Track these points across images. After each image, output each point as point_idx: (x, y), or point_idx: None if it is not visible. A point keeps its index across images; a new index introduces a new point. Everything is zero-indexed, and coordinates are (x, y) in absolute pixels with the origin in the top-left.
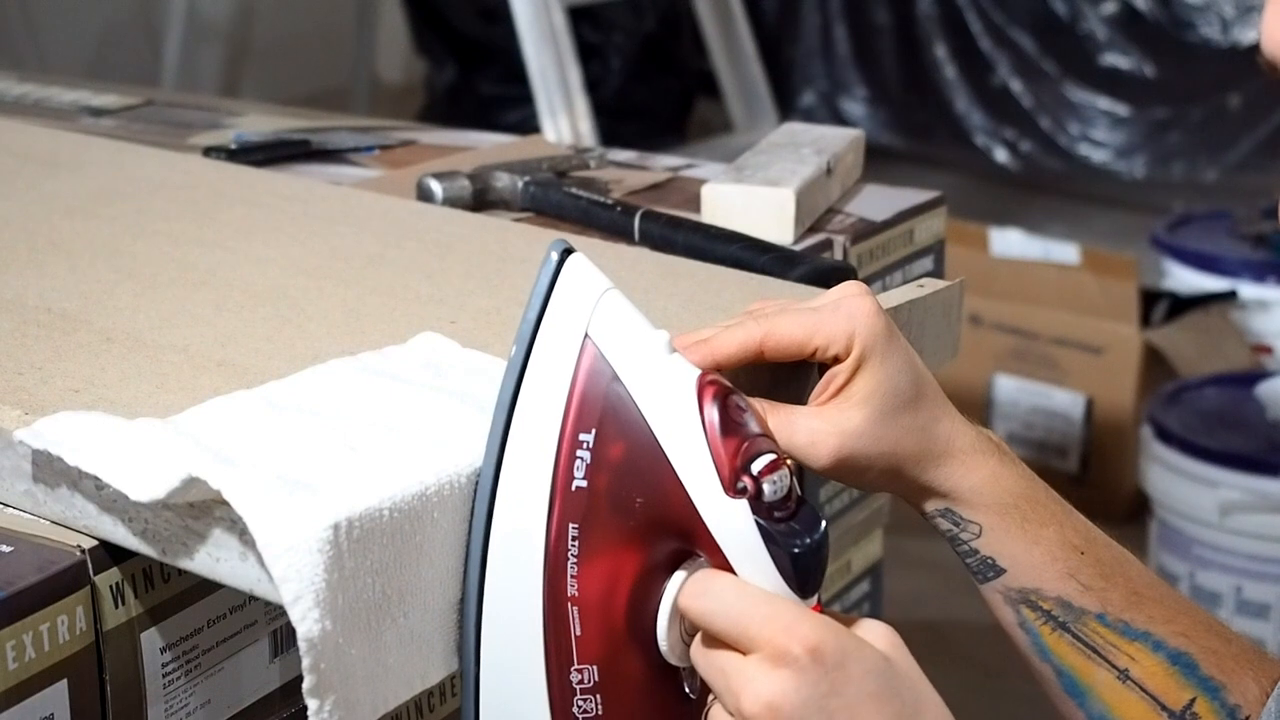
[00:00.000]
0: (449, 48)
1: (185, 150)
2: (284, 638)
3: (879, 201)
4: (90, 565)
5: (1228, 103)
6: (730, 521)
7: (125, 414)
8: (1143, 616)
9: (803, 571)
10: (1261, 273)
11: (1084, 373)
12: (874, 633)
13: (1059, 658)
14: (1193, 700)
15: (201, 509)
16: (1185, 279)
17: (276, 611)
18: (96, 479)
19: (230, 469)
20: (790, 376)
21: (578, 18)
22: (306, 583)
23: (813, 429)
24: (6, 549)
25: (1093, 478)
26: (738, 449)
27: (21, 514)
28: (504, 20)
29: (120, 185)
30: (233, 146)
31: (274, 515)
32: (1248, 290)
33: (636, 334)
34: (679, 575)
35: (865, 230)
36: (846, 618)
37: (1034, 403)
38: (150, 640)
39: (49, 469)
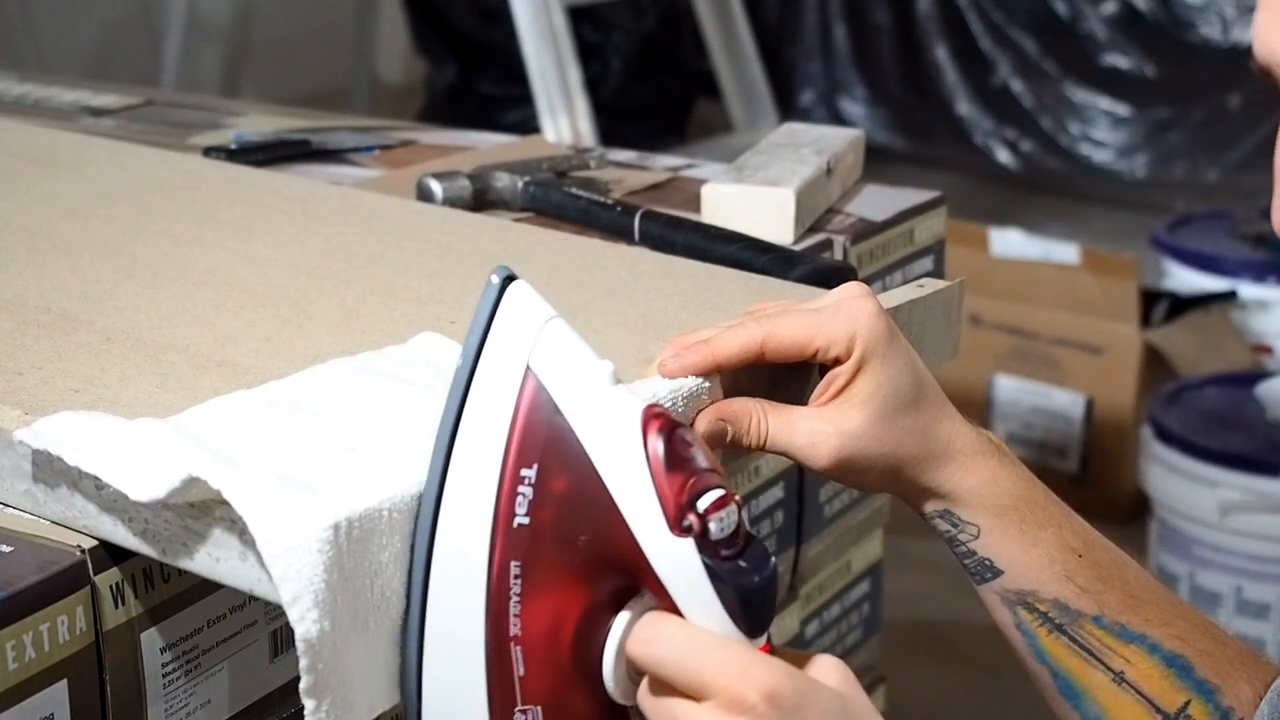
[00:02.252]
0: (449, 48)
1: (185, 150)
2: (284, 638)
3: (879, 201)
4: (90, 565)
5: (1228, 103)
6: (675, 560)
7: (125, 414)
8: (1139, 619)
9: (751, 611)
10: (1261, 273)
11: (1084, 373)
12: (827, 670)
13: (1055, 660)
14: (1187, 703)
15: (201, 509)
16: (1185, 279)
17: (276, 611)
18: (96, 479)
19: (230, 469)
20: (791, 377)
21: (578, 18)
22: (306, 583)
23: (813, 429)
24: (6, 549)
25: (1093, 478)
26: (683, 485)
27: (21, 514)
28: (504, 20)
29: (120, 185)
30: (233, 146)
31: (274, 515)
32: (1248, 290)
33: (579, 365)
34: (623, 616)
35: (865, 230)
36: (797, 654)
37: (1034, 403)
38: (150, 640)
39: (49, 469)
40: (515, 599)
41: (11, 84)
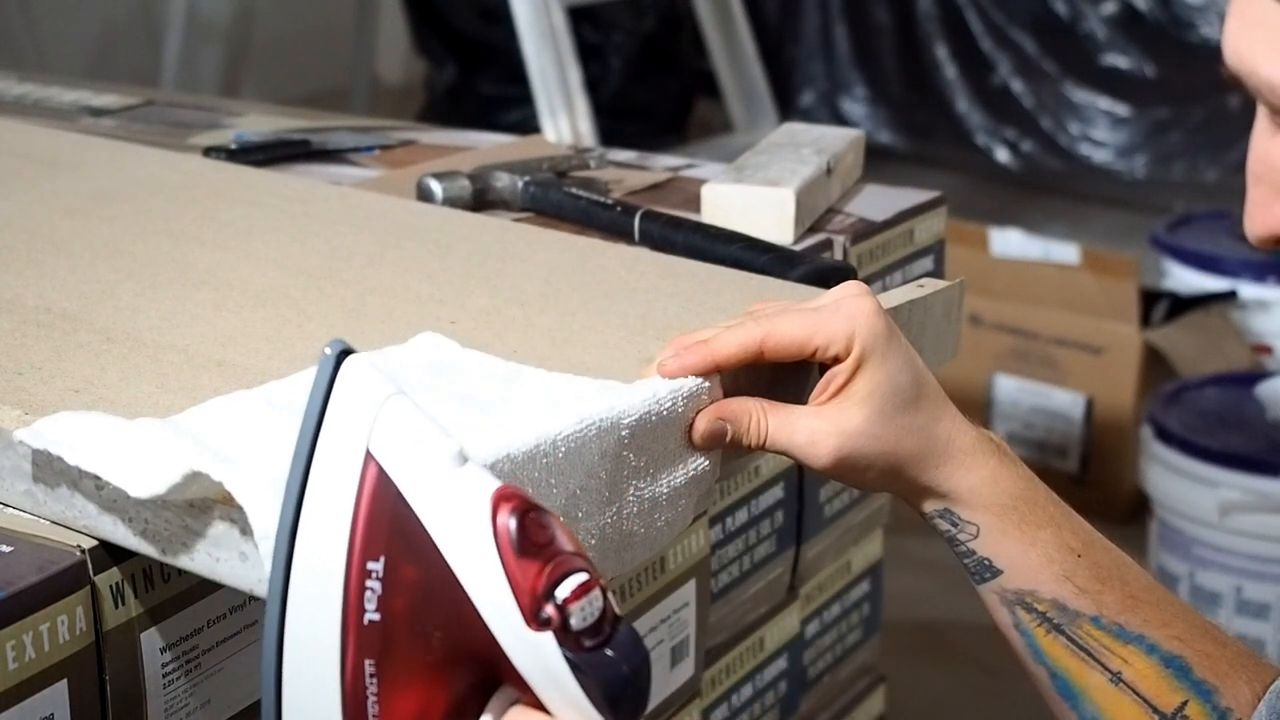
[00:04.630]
0: (449, 48)
1: (185, 150)
2: None
3: (879, 201)
4: (90, 565)
5: (1228, 103)
6: (534, 655)
7: (125, 414)
8: (1138, 620)
9: (622, 704)
10: (1261, 273)
11: (1084, 373)
12: None
13: (1053, 660)
14: (1184, 703)
15: (201, 508)
16: (1185, 279)
17: None
18: (96, 478)
19: (231, 467)
20: (791, 375)
21: (578, 18)
22: None
23: (813, 429)
24: (6, 549)
25: (1093, 478)
26: (539, 572)
27: (21, 514)
28: (504, 20)
29: (120, 185)
30: (233, 146)
31: (274, 510)
32: (1248, 290)
33: (422, 446)
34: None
35: (865, 230)
36: None
37: (1034, 403)
38: (150, 640)
39: (49, 469)
40: (373, 699)
41: (11, 84)
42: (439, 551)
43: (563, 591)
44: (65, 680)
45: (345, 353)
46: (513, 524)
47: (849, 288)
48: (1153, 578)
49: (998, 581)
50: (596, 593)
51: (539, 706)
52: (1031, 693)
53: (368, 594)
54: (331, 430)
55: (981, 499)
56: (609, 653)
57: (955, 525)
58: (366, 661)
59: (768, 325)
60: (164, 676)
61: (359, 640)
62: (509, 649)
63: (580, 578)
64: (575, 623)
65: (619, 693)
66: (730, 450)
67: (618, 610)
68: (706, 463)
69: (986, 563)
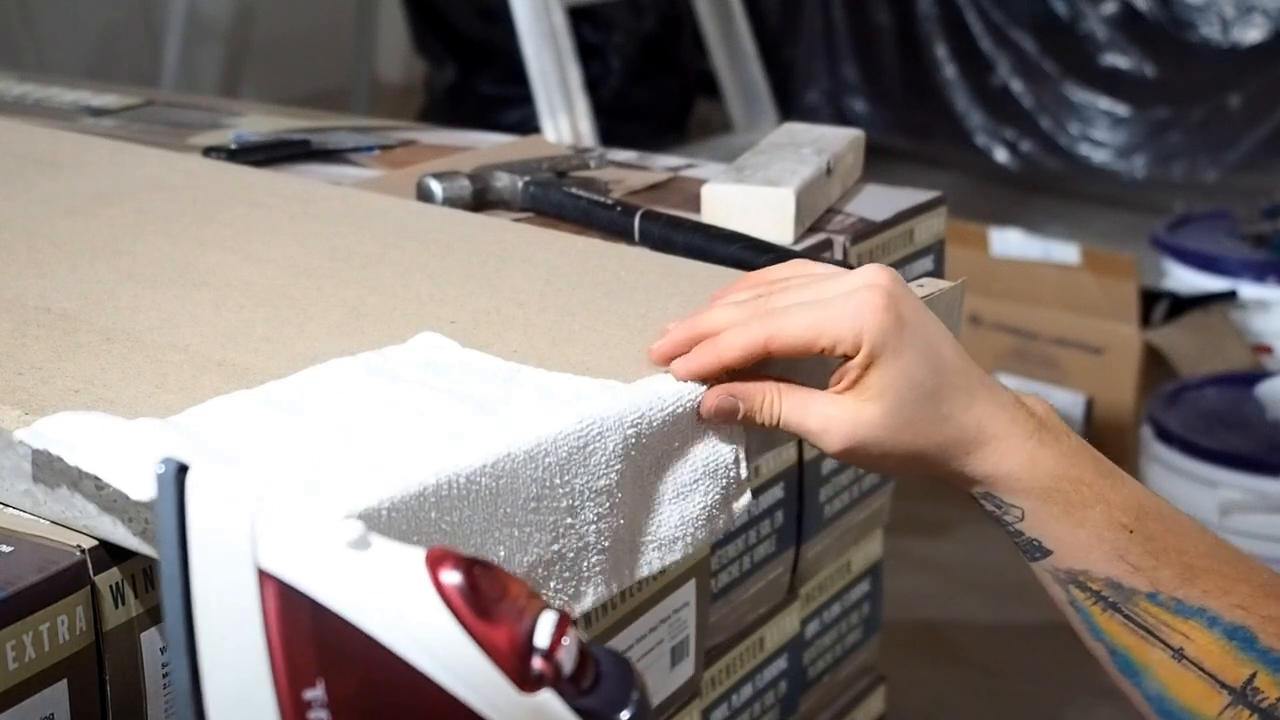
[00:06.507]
0: (449, 48)
1: (185, 150)
2: None
3: (879, 201)
4: (90, 565)
5: (1228, 103)
6: None
7: (125, 414)
8: (1196, 591)
9: None
10: (1261, 273)
11: (1084, 373)
12: None
13: (1111, 637)
14: (1253, 675)
15: None
16: (1185, 279)
17: None
18: (96, 479)
19: (230, 470)
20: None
21: (578, 18)
22: None
23: (827, 415)
24: (6, 549)
25: None
26: (511, 626)
27: (21, 514)
28: (504, 20)
29: (120, 185)
30: (233, 146)
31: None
32: (1248, 290)
33: (321, 539)
34: None
35: (865, 230)
36: None
37: None
38: (150, 640)
39: (49, 469)
40: None
41: (11, 84)
42: (385, 649)
43: (542, 639)
44: (65, 680)
45: (182, 469)
46: (460, 582)
47: (862, 275)
48: (1214, 536)
49: (1049, 561)
50: (569, 628)
51: None
52: (1032, 692)
53: None
54: (204, 562)
55: (1022, 484)
56: (607, 686)
57: (1000, 508)
58: None
59: (773, 325)
60: (164, 676)
61: None
62: None
63: (551, 616)
64: (567, 665)
65: None
66: (744, 427)
67: (583, 636)
68: (728, 452)
69: (1036, 543)
